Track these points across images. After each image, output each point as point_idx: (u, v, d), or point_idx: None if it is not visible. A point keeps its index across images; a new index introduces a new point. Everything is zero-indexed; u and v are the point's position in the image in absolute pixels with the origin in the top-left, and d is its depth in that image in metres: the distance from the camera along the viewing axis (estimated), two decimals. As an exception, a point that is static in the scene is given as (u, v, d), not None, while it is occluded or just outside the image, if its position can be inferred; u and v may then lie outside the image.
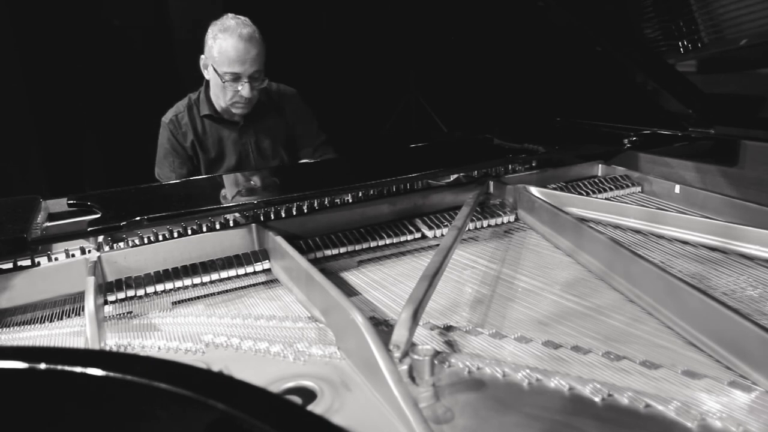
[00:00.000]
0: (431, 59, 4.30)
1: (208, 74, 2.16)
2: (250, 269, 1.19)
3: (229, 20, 2.10)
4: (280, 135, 2.32)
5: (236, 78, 2.08)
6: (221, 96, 2.14)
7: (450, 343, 0.91)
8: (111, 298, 1.11)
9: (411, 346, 0.83)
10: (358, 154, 2.48)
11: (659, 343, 0.89)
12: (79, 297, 1.12)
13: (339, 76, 4.12)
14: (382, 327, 0.97)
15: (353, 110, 4.20)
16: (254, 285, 1.18)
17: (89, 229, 1.13)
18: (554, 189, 1.50)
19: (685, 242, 1.24)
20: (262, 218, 1.29)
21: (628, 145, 1.67)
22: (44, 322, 1.06)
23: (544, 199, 1.40)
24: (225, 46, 2.06)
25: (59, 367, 0.44)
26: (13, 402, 0.45)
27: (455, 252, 1.19)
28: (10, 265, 1.12)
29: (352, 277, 1.19)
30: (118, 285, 1.13)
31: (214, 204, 1.28)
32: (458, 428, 0.72)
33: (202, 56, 2.16)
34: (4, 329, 1.03)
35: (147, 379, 0.43)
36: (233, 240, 1.24)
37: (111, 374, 0.44)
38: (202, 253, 1.21)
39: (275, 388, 0.81)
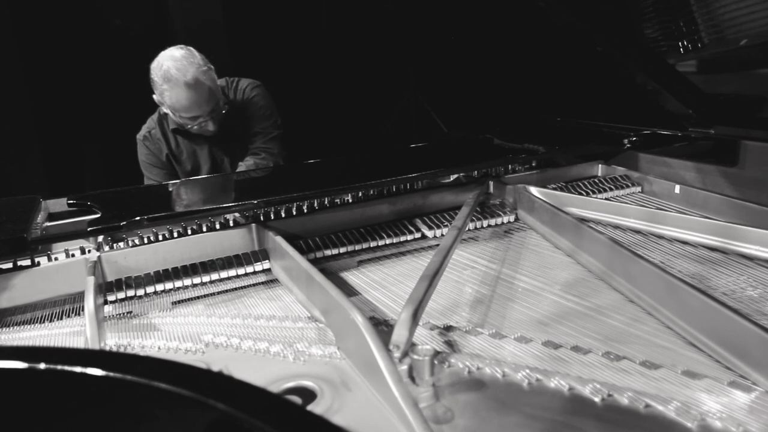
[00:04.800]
0: (431, 59, 4.30)
1: (166, 109, 2.11)
2: (250, 269, 1.19)
3: (168, 64, 1.99)
4: (247, 136, 2.29)
5: (197, 118, 2.06)
6: (188, 126, 2.12)
7: (450, 343, 0.91)
8: (111, 297, 1.11)
9: (411, 346, 0.83)
10: (358, 154, 2.48)
11: (659, 343, 0.89)
12: (79, 297, 1.12)
13: (339, 75, 4.12)
14: (382, 327, 0.97)
15: (353, 110, 4.20)
16: (254, 285, 1.18)
17: (89, 229, 1.13)
18: (554, 189, 1.50)
19: (685, 242, 1.24)
20: (262, 218, 1.29)
21: (628, 145, 1.67)
22: (44, 322, 1.06)
23: (544, 199, 1.40)
24: (175, 96, 2.00)
25: (59, 367, 0.44)
26: (13, 402, 0.45)
27: (455, 252, 1.19)
28: (10, 265, 1.12)
29: (352, 277, 1.19)
30: (118, 285, 1.13)
31: (214, 204, 1.28)
32: (458, 428, 0.72)
33: (155, 95, 2.09)
34: (4, 329, 1.03)
35: (147, 379, 0.43)
36: (233, 240, 1.24)
37: (111, 374, 0.44)
38: (202, 253, 1.21)
39: (275, 388, 0.81)
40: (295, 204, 1.32)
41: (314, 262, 1.21)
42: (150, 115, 2.27)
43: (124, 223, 1.13)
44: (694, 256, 1.19)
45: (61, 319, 1.07)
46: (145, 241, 1.21)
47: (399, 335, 0.82)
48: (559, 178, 1.62)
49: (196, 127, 2.11)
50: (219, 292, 1.15)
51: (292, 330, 0.98)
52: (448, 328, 0.96)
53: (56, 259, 1.16)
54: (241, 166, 2.18)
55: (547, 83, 2.87)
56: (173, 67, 1.98)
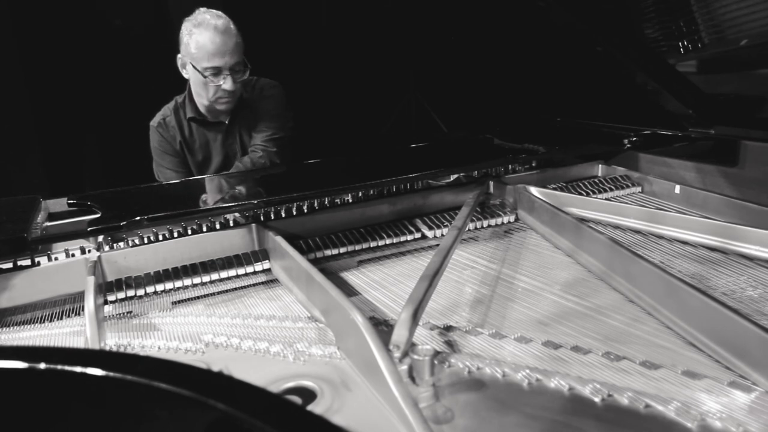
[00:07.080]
0: (431, 59, 4.30)
1: (188, 73, 2.11)
2: (250, 269, 1.19)
3: (202, 14, 2.05)
4: (255, 133, 2.26)
5: (217, 72, 2.03)
6: (203, 93, 2.09)
7: (450, 343, 0.91)
8: (111, 297, 1.11)
9: (411, 346, 0.83)
10: (358, 154, 2.47)
11: (659, 343, 0.89)
12: (79, 297, 1.12)
13: (339, 75, 4.12)
14: (382, 327, 0.97)
15: (353, 110, 4.20)
16: (254, 285, 1.18)
17: (89, 229, 1.13)
18: (554, 189, 1.50)
19: (685, 242, 1.24)
20: (262, 218, 1.29)
21: (628, 145, 1.67)
22: (44, 322, 1.06)
23: (544, 199, 1.40)
24: (202, 40, 2.00)
25: (59, 367, 0.44)
26: (13, 402, 0.45)
27: (455, 252, 1.19)
28: (10, 265, 1.12)
29: (352, 277, 1.19)
30: (118, 285, 1.13)
31: (214, 204, 1.28)
32: (458, 428, 0.72)
33: (179, 56, 2.10)
34: (4, 329, 1.03)
35: (147, 379, 0.43)
36: (233, 240, 1.24)
37: (111, 374, 0.44)
38: (202, 253, 1.21)
39: (275, 388, 0.81)
40: (295, 204, 1.32)
41: (314, 262, 1.21)
42: (153, 110, 2.26)
43: (124, 223, 1.13)
44: (694, 256, 1.19)
45: (61, 319, 1.07)
46: (145, 241, 1.21)
47: (399, 335, 0.82)
48: (559, 178, 1.62)
49: (211, 95, 2.07)
50: (219, 292, 1.15)
51: (292, 330, 0.98)
52: (448, 328, 0.96)
53: (56, 259, 1.16)
54: (238, 165, 2.17)
55: (547, 83, 2.87)
56: (206, 13, 2.05)
